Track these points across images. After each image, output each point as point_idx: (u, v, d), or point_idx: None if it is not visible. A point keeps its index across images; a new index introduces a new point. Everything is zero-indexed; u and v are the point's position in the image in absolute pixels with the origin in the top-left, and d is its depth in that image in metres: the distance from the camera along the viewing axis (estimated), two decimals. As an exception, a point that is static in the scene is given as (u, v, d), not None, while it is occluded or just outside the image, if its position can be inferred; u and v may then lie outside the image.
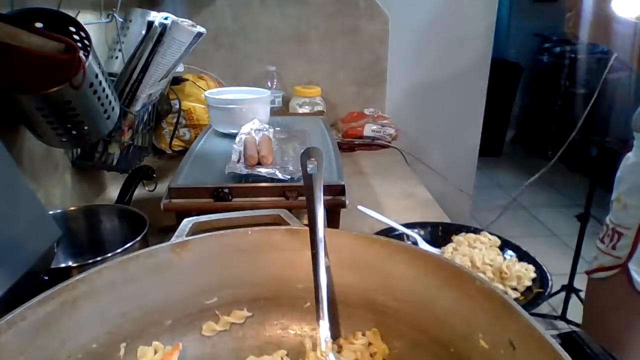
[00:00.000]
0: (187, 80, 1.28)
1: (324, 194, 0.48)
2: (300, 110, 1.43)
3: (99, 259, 0.56)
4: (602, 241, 0.86)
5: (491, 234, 0.75)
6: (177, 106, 1.21)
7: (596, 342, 0.43)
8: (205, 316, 0.45)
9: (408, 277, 0.42)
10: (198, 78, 1.33)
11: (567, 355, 0.29)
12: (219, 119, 1.03)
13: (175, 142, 1.26)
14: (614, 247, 0.83)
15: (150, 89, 0.90)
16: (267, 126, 0.95)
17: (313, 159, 0.51)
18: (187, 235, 0.46)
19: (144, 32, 0.83)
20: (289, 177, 0.74)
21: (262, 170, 0.75)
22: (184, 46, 0.89)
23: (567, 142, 1.88)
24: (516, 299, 0.63)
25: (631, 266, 0.80)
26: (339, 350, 0.43)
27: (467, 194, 1.70)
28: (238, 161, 0.78)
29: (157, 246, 0.43)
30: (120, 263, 0.40)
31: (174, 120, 1.22)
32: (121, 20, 0.96)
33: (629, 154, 0.85)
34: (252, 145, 0.81)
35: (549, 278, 0.65)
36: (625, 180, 0.84)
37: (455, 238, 0.75)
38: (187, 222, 0.49)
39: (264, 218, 0.52)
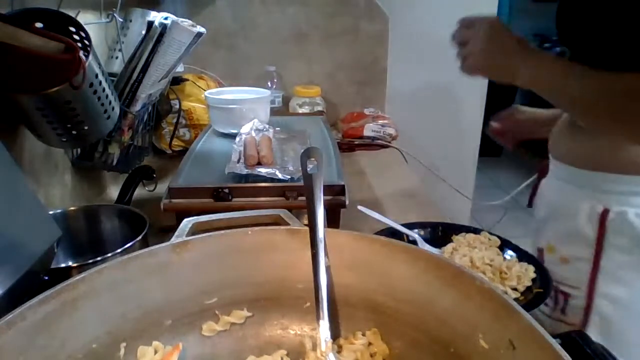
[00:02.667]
0: (187, 80, 1.28)
1: (324, 194, 0.48)
2: (300, 110, 1.43)
3: (99, 259, 0.56)
4: (545, 304, 0.68)
5: (491, 234, 0.75)
6: (177, 106, 1.21)
7: (596, 342, 0.43)
8: (205, 316, 0.45)
9: (408, 277, 0.42)
10: (198, 78, 1.33)
11: (567, 355, 0.29)
12: (219, 119, 1.03)
13: (175, 142, 1.26)
14: (563, 312, 0.69)
15: (150, 89, 0.90)
16: (267, 126, 0.95)
17: (313, 159, 0.51)
18: (187, 235, 0.46)
19: (144, 32, 0.83)
20: (289, 177, 0.74)
21: (262, 170, 0.75)
22: (184, 46, 0.89)
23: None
24: (516, 299, 0.63)
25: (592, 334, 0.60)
26: (339, 350, 0.43)
27: (466, 196, 1.70)
28: (238, 161, 0.78)
29: (157, 246, 0.43)
30: (120, 263, 0.40)
31: (174, 120, 1.22)
32: (121, 20, 0.96)
33: (545, 182, 0.74)
34: (252, 145, 0.81)
35: (549, 278, 0.65)
36: (554, 223, 0.71)
37: (455, 238, 0.75)
38: (187, 222, 0.49)
39: (264, 218, 0.52)
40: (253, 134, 0.90)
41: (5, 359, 0.32)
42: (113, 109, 0.75)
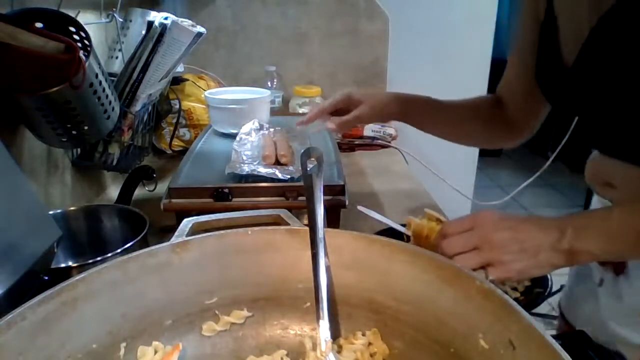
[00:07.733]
0: (187, 80, 1.28)
1: (324, 194, 0.48)
2: (300, 110, 1.43)
3: (99, 259, 0.56)
4: None
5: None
6: (177, 106, 1.21)
7: (596, 342, 0.43)
8: (205, 316, 0.45)
9: (408, 277, 0.42)
10: (198, 78, 1.33)
11: (567, 355, 0.29)
12: (219, 119, 1.03)
13: (175, 142, 1.26)
14: None
15: (150, 89, 0.90)
16: (267, 126, 0.95)
17: (313, 159, 0.51)
18: (187, 235, 0.46)
19: (144, 32, 0.83)
20: (289, 177, 0.74)
21: (262, 170, 0.75)
22: (184, 46, 0.89)
23: (564, 141, 1.87)
24: (516, 299, 0.62)
25: None
26: (339, 350, 0.43)
27: (466, 196, 1.70)
28: (254, 161, 0.78)
29: (157, 246, 0.43)
30: (120, 263, 0.40)
31: (174, 120, 1.22)
32: (121, 20, 0.96)
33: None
34: (270, 145, 0.81)
35: (549, 278, 0.65)
36: None
37: (455, 238, 0.75)
38: (187, 222, 0.49)
39: (264, 218, 0.52)
40: (253, 134, 0.90)
41: (5, 359, 0.32)
42: (113, 109, 0.75)
